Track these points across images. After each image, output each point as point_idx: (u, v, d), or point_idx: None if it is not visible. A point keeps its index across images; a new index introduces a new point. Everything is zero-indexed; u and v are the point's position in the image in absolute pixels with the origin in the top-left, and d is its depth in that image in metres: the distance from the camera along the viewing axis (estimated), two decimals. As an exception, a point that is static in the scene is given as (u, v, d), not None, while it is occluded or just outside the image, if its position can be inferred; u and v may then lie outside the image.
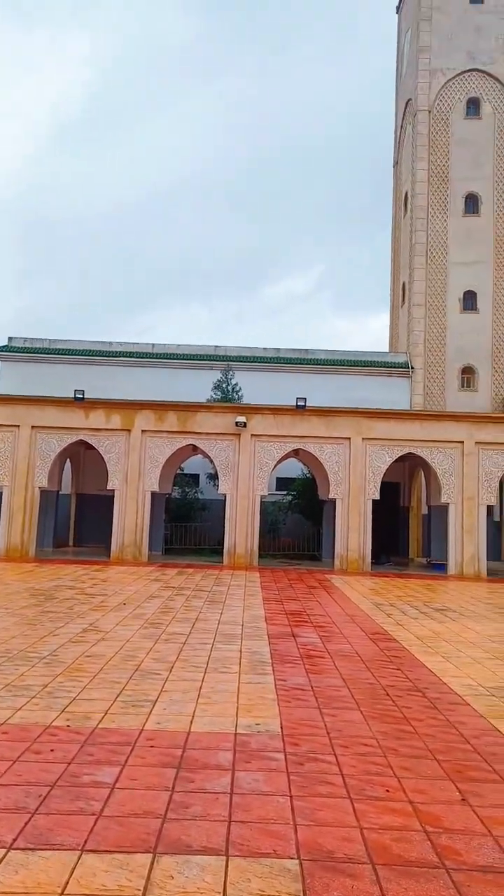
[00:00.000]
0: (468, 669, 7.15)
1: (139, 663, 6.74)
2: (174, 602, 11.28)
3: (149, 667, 6.61)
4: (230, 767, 4.13)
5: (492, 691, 6.27)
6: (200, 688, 5.92)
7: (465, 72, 28.05)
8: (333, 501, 19.64)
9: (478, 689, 6.31)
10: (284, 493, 24.95)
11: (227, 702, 5.53)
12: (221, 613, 10.27)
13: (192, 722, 4.96)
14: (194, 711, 5.22)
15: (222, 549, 19.45)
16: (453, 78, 28.03)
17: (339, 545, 19.27)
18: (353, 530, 19.15)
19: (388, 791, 3.89)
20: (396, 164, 32.10)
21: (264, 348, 28.06)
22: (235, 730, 4.82)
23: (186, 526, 23.47)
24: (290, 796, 3.74)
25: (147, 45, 78.79)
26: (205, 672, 6.50)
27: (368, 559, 19.21)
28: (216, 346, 27.97)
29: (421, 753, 4.54)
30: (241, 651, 7.57)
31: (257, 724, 4.97)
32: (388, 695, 5.99)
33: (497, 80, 27.94)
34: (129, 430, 19.50)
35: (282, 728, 4.90)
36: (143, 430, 19.52)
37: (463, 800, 3.82)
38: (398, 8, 33.32)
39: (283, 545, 23.30)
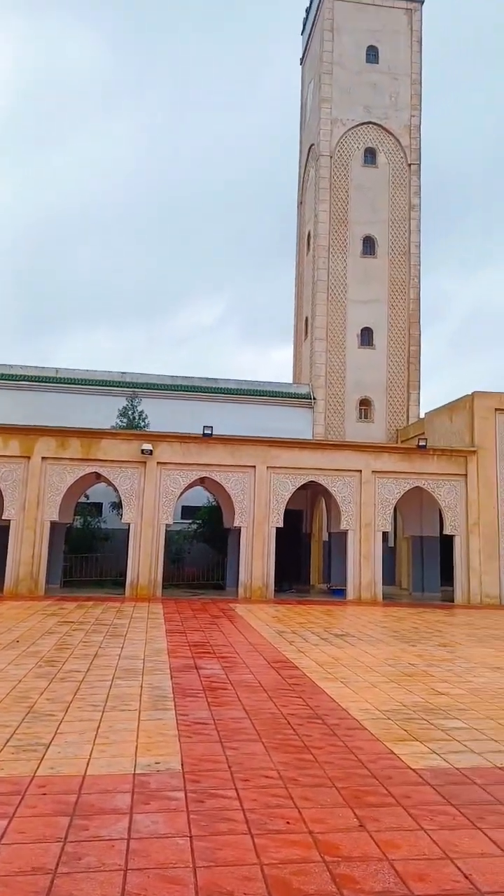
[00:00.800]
0: (365, 694, 7.33)
1: (32, 704, 6.40)
2: (72, 637, 10.83)
3: (43, 708, 6.29)
4: (128, 811, 3.99)
5: (387, 714, 6.47)
6: (98, 728, 5.70)
7: (362, 123, 29.91)
8: (238, 529, 19.73)
9: (374, 713, 6.49)
10: (190, 521, 24.79)
11: (125, 741, 5.36)
12: (122, 648, 9.97)
13: (88, 765, 4.76)
14: (91, 753, 5.01)
15: (125, 580, 18.96)
16: (352, 128, 29.80)
17: (243, 573, 19.33)
18: (257, 558, 19.28)
19: (288, 823, 3.89)
20: (300, 204, 33.47)
21: (172, 376, 28.03)
22: (134, 770, 4.67)
23: (88, 557, 22.71)
24: (191, 836, 3.65)
25: (55, 77, 78.10)
26: (103, 711, 6.27)
27: (272, 587, 19.38)
28: (123, 373, 27.63)
29: (320, 782, 4.59)
30: (141, 686, 7.37)
31: (157, 763, 4.84)
32: (289, 724, 6.03)
33: (391, 133, 29.98)
34: (28, 457, 18.73)
35: (182, 765, 4.81)
36: (43, 458, 18.81)
37: (360, 826, 3.89)
38: (302, 60, 35.16)
39: (188, 575, 23.07)
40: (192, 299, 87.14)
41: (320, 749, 5.31)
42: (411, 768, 4.92)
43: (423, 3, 31.07)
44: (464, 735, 5.86)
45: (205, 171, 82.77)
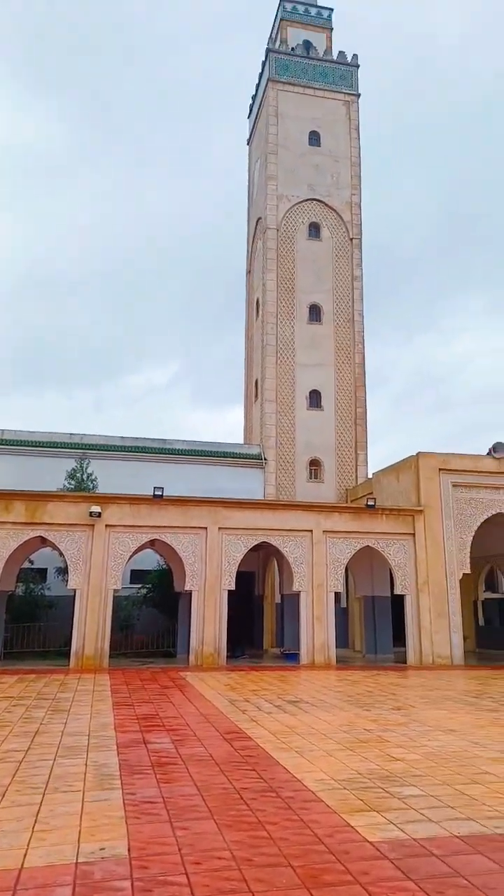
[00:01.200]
0: (321, 763, 7.12)
1: (-33, 790, 5.94)
2: (11, 714, 10.21)
3: (-22, 793, 5.84)
4: (69, 905, 3.69)
5: (343, 784, 6.28)
6: (38, 812, 5.32)
7: (306, 200, 31.62)
8: (189, 593, 19.31)
9: (330, 783, 6.29)
10: (139, 585, 24.14)
11: (68, 826, 5.01)
12: (66, 723, 9.45)
13: (25, 855, 4.41)
14: (29, 842, 4.66)
15: (70, 650, 18.13)
16: (297, 204, 31.44)
17: (194, 639, 18.79)
18: (208, 623, 18.83)
19: (241, 909, 3.68)
20: (249, 272, 34.69)
21: (122, 437, 27.84)
22: (77, 859, 4.36)
23: (30, 626, 21.70)
24: (137, 931, 3.40)
25: (9, 144, 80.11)
26: (44, 793, 5.87)
27: (224, 653, 18.87)
28: (72, 434, 27.29)
29: (276, 861, 4.38)
30: (86, 764, 6.96)
31: (102, 849, 4.53)
32: (242, 798, 5.77)
33: (333, 210, 31.76)
34: (-32, 522, 18.03)
35: (129, 850, 4.51)
36: (-15, 522, 18.14)
37: (317, 908, 3.71)
38: (249, 140, 37.24)
39: (137, 643, 22.27)
40: (145, 361, 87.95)
41: (275, 825, 5.08)
42: (369, 841, 4.76)
43: (359, 96, 33.69)
44: (421, 803, 5.73)
45: (157, 239, 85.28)
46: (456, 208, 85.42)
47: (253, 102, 36.54)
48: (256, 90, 35.85)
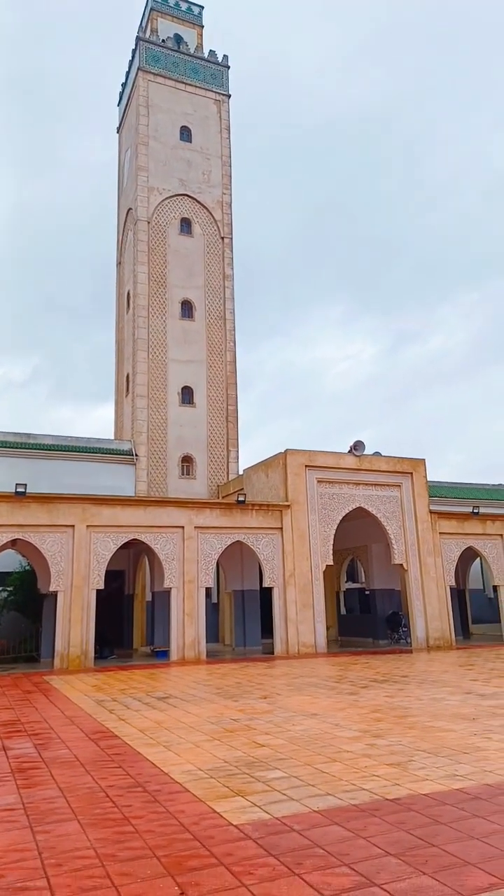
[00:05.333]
0: (188, 755, 7.18)
1: None
2: None
3: None
4: None
5: (210, 773, 6.38)
6: None
7: (178, 195, 31.51)
8: (55, 594, 18.58)
9: (197, 774, 6.37)
10: (0, 588, 22.83)
11: None
12: None
13: None
14: None
15: None
16: (169, 198, 31.24)
17: (60, 642, 18.10)
18: (75, 624, 18.22)
19: (104, 905, 3.63)
20: (119, 263, 33.93)
21: (-20, 432, 26.14)
22: None
23: None
24: (-9, 942, 3.25)
25: None
26: None
27: (91, 654, 18.37)
28: None
29: (141, 854, 4.37)
30: None
31: (-46, 865, 4.26)
32: (108, 796, 5.68)
33: (205, 207, 31.93)
34: None
35: (-16, 862, 4.28)
36: None
37: (182, 893, 3.76)
38: (118, 128, 36.40)
39: (-3, 648, 21.06)
40: (1, 355, 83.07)
41: (140, 818, 5.07)
42: (233, 824, 4.89)
43: (229, 97, 34.11)
44: (283, 784, 5.97)
45: (20, 229, 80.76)
46: (317, 223, 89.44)
47: (123, 90, 35.76)
48: (126, 78, 35.14)
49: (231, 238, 32.10)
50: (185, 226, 31.33)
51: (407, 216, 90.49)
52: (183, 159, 31.99)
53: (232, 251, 31.96)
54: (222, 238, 31.88)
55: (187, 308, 30.34)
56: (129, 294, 31.28)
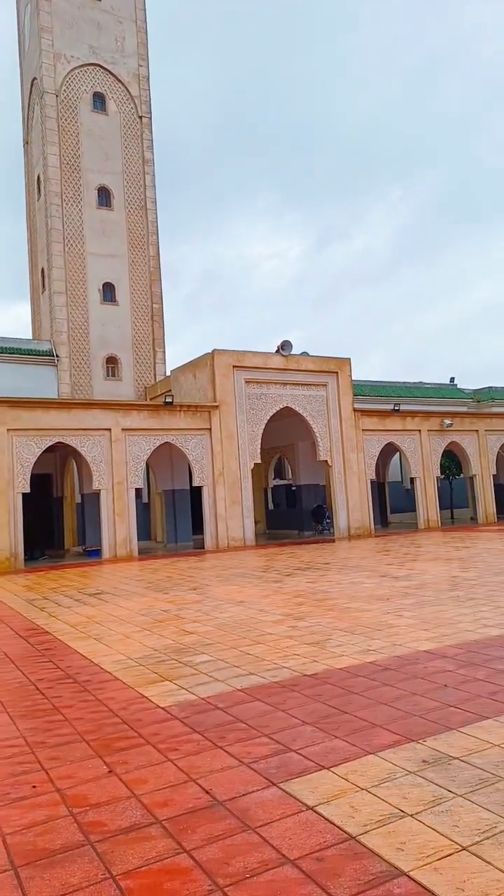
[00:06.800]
0: (118, 646, 7.43)
1: None
2: None
3: None
4: None
5: (139, 661, 6.65)
6: None
7: (89, 64, 28.41)
8: (-22, 500, 18.19)
9: (127, 663, 6.62)
10: None
11: None
12: None
13: None
14: None
15: None
16: (79, 68, 28.14)
17: (-13, 546, 17.97)
18: (2, 527, 18.05)
19: (34, 787, 3.79)
20: (27, 143, 30.82)
21: None
22: None
23: None
24: None
25: None
26: None
27: (21, 557, 18.38)
28: None
29: (70, 739, 4.55)
30: None
31: None
32: (38, 689, 5.84)
33: (120, 81, 29.02)
34: None
35: None
36: None
37: (110, 772, 3.97)
38: (17, -22, 31.86)
39: None
40: None
41: (70, 707, 5.25)
42: (161, 707, 5.15)
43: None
44: (210, 667, 6.29)
45: None
46: (239, 108, 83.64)
47: None
48: None
49: (150, 118, 29.62)
50: (99, 101, 28.53)
51: (332, 101, 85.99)
52: (93, 21, 28.60)
53: (151, 133, 29.61)
54: (140, 117, 29.35)
55: (105, 196, 28.27)
56: (39, 178, 28.73)
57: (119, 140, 28.82)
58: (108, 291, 27.99)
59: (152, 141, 29.56)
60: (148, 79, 29.72)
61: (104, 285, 27.87)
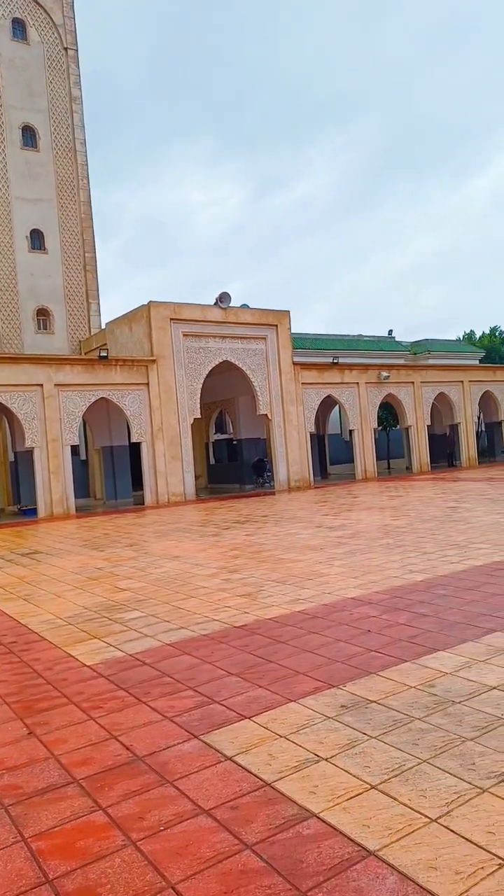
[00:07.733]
0: (48, 606, 7.31)
1: None
2: None
3: None
4: None
5: (68, 620, 6.56)
6: None
7: (7, -14, 26.22)
8: None
9: (56, 622, 6.52)
10: None
11: None
12: None
13: None
14: None
15: None
16: (-4, -10, 25.93)
17: None
18: None
19: (-51, 754, 3.70)
20: None
21: None
22: None
23: None
24: None
25: None
26: None
27: (-47, 517, 17.79)
28: None
29: (-9, 703, 4.45)
30: None
31: None
32: (-40, 654, 5.68)
33: (40, 5, 26.91)
34: None
35: None
36: None
37: (29, 734, 3.91)
38: None
39: None
40: None
41: (-7, 671, 5.14)
42: (87, 665, 5.10)
43: None
44: (140, 623, 6.27)
45: None
46: (172, 42, 79.54)
47: None
48: None
49: (76, 51, 27.74)
50: (19, 28, 26.45)
51: (272, 39, 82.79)
52: None
53: (78, 67, 27.78)
54: (66, 49, 27.45)
55: (30, 135, 26.56)
56: (-43, 114, 26.65)
57: (43, 74, 26.95)
58: (37, 238, 26.63)
59: (80, 76, 27.78)
60: (73, 5, 27.71)
61: (32, 232, 26.47)
